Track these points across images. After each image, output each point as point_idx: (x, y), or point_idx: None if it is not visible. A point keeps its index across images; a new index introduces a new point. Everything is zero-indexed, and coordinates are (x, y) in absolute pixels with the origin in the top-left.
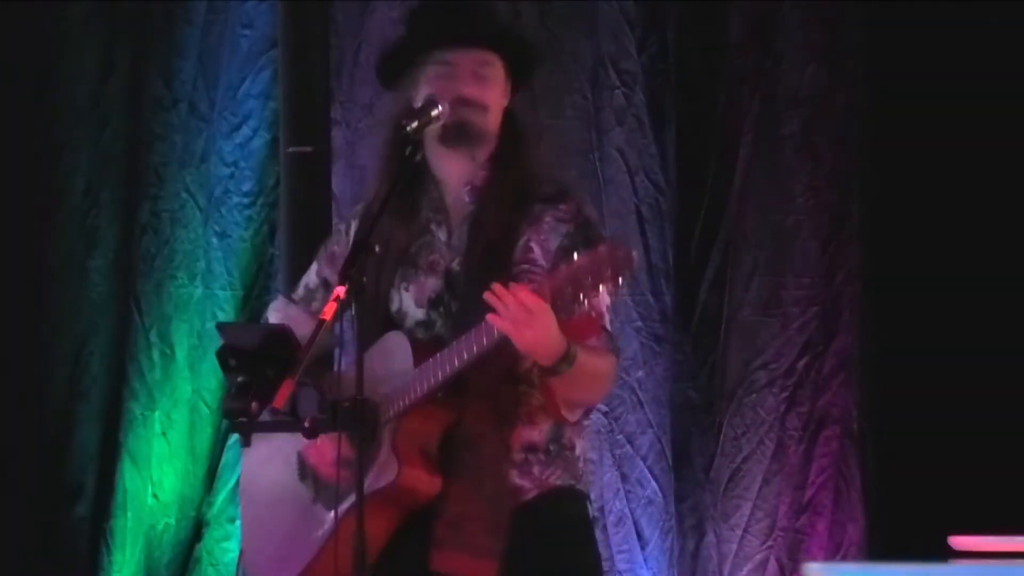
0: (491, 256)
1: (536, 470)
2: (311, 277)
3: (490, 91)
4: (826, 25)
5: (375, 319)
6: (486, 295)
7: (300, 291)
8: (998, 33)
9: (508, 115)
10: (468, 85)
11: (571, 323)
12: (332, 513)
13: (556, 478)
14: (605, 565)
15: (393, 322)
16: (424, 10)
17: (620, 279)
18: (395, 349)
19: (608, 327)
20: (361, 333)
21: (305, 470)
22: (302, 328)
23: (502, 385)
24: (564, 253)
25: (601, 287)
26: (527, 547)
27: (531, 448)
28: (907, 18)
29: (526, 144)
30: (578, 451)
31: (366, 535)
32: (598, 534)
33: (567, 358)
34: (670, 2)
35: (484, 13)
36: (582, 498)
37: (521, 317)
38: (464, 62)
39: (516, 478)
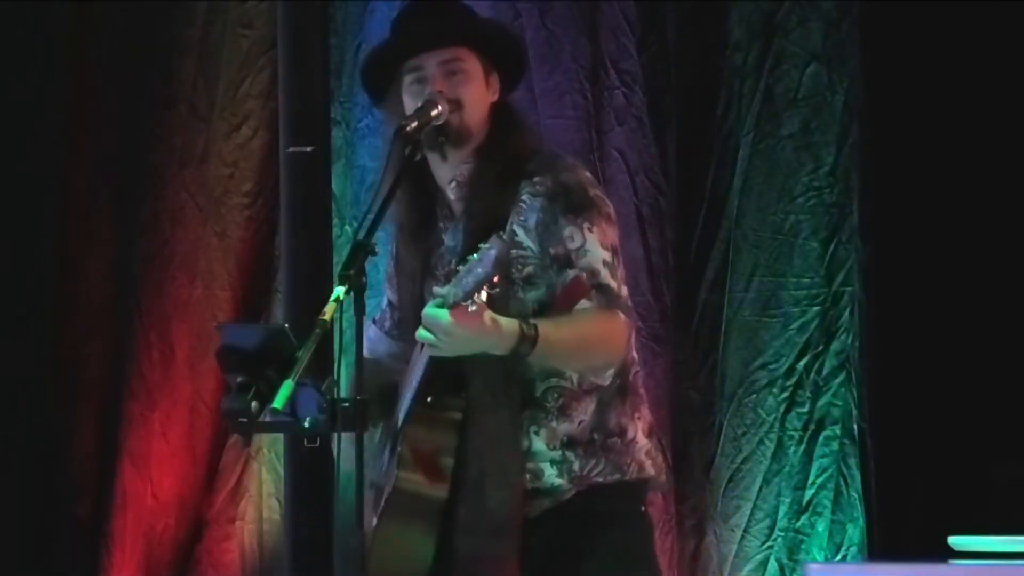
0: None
1: (576, 466)
2: (383, 298)
3: (463, 87)
4: (826, 25)
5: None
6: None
7: (377, 312)
8: (998, 33)
9: (500, 107)
10: (438, 84)
11: (561, 293)
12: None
13: (598, 474)
14: None
15: None
16: (399, 19)
17: (490, 280)
18: (417, 358)
19: (605, 281)
20: (360, 338)
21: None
22: (382, 345)
23: (503, 378)
24: (544, 228)
25: (495, 283)
26: (567, 549)
27: (569, 443)
28: (906, 18)
29: (514, 132)
30: (631, 435)
31: (402, 547)
32: None
33: (524, 341)
34: (670, 2)
35: (450, 12)
36: (629, 492)
37: (442, 340)
38: (430, 63)
39: (554, 477)
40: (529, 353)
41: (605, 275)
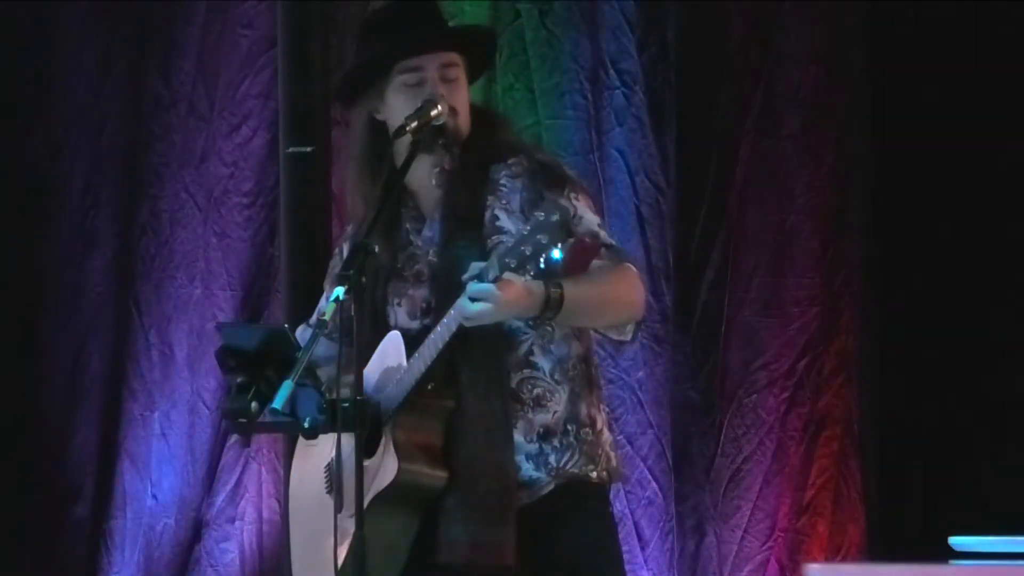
0: (463, 237)
1: (552, 459)
2: (322, 302)
3: (458, 93)
4: (826, 25)
5: (376, 336)
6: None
7: (314, 317)
8: (999, 33)
9: (476, 109)
10: (438, 88)
11: (568, 257)
12: (351, 522)
13: (573, 465)
14: None
15: None
16: (378, 21)
17: (553, 247)
18: (391, 348)
19: (607, 240)
20: (362, 339)
21: (331, 483)
22: (320, 348)
23: (493, 368)
24: (532, 206)
25: (555, 252)
26: (543, 544)
27: (545, 434)
28: (907, 18)
29: (488, 124)
30: (599, 425)
31: (386, 539)
32: None
33: (550, 304)
34: (670, 2)
35: (439, 15)
36: (600, 488)
37: (473, 311)
38: (431, 66)
39: (531, 470)
40: (556, 316)
41: (604, 236)
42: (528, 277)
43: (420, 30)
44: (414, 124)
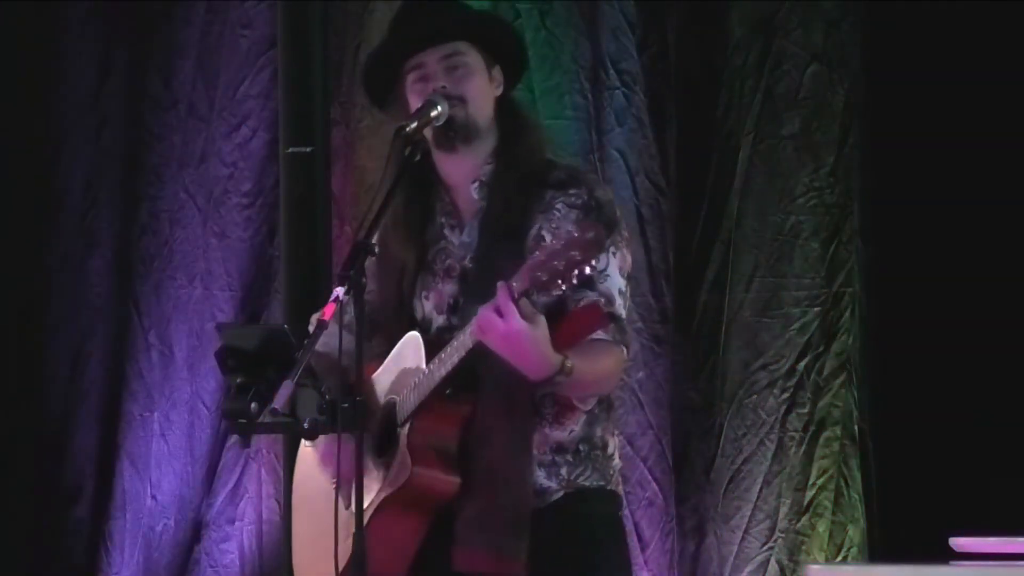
0: (502, 248)
1: (564, 471)
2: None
3: (466, 81)
4: (826, 25)
5: (400, 329)
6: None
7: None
8: (998, 33)
9: (504, 103)
10: (440, 80)
11: (576, 315)
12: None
13: (585, 479)
14: None
15: (420, 331)
16: (395, 21)
17: (587, 264)
18: (409, 350)
19: (619, 312)
20: (362, 338)
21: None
22: (334, 339)
23: (515, 380)
24: None
25: (587, 268)
26: (552, 548)
27: (559, 449)
28: (907, 18)
29: (527, 131)
30: (611, 450)
31: (394, 541)
32: None
33: (561, 373)
34: (670, 2)
35: (447, 8)
36: (611, 499)
37: (501, 342)
38: (431, 60)
39: (543, 479)
40: (555, 386)
41: (619, 305)
42: (562, 291)
43: (414, 28)
44: (414, 125)
